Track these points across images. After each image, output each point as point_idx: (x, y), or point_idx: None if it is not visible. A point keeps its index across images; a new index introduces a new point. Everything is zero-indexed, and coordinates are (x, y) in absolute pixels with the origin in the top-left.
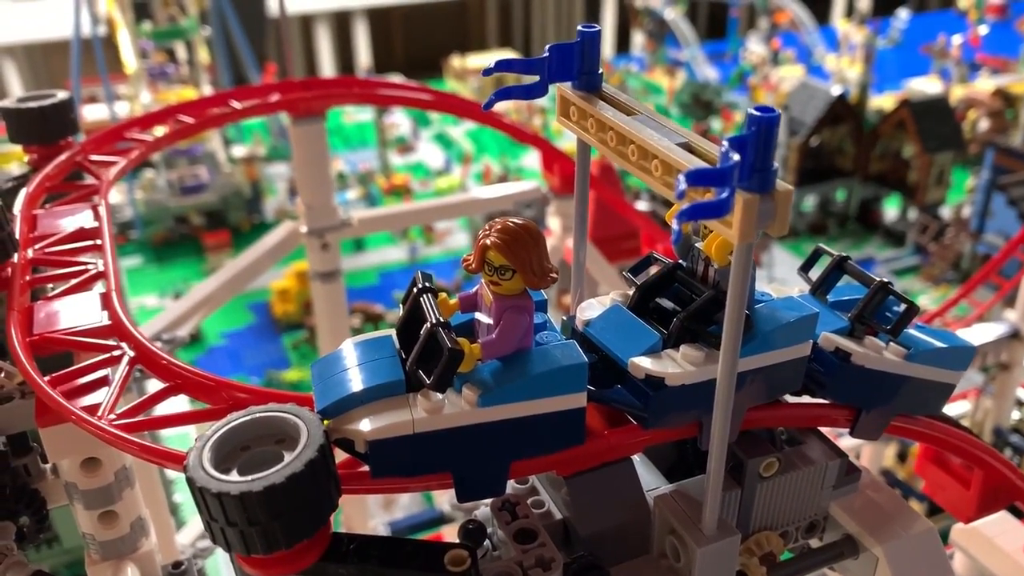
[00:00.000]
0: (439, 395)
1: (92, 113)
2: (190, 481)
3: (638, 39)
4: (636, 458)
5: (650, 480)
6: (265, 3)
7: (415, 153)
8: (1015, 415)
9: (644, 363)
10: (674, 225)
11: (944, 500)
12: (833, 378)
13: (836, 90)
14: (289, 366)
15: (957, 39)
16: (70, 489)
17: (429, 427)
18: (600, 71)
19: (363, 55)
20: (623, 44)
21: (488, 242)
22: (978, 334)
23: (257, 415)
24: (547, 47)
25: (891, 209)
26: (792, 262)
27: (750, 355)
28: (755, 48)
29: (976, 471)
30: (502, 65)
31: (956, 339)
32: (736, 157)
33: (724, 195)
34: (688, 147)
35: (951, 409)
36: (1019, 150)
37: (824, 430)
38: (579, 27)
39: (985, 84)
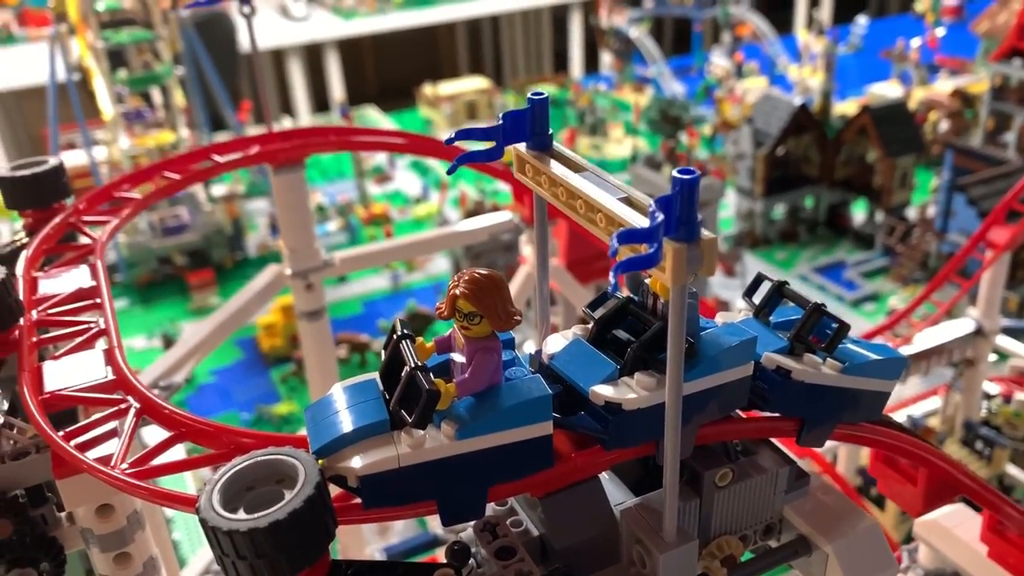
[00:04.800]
0: (420, 431)
1: (71, 159)
2: (203, 521)
3: (606, 58)
4: (604, 475)
5: (617, 495)
6: (237, 41)
7: (392, 182)
8: (984, 408)
9: (603, 391)
10: (611, 279)
11: (895, 496)
12: (776, 394)
13: (798, 101)
14: (279, 400)
15: (916, 42)
16: (86, 534)
17: (413, 460)
18: (550, 132)
19: (336, 88)
20: (592, 64)
21: (457, 292)
22: (944, 332)
23: (259, 459)
24: (501, 115)
25: (859, 213)
26: (765, 269)
27: (697, 378)
28: (719, 62)
29: (921, 469)
30: (461, 135)
31: (889, 351)
32: (660, 217)
33: (653, 250)
34: (628, 201)
35: (924, 406)
36: (977, 150)
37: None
38: (529, 95)
39: (944, 85)
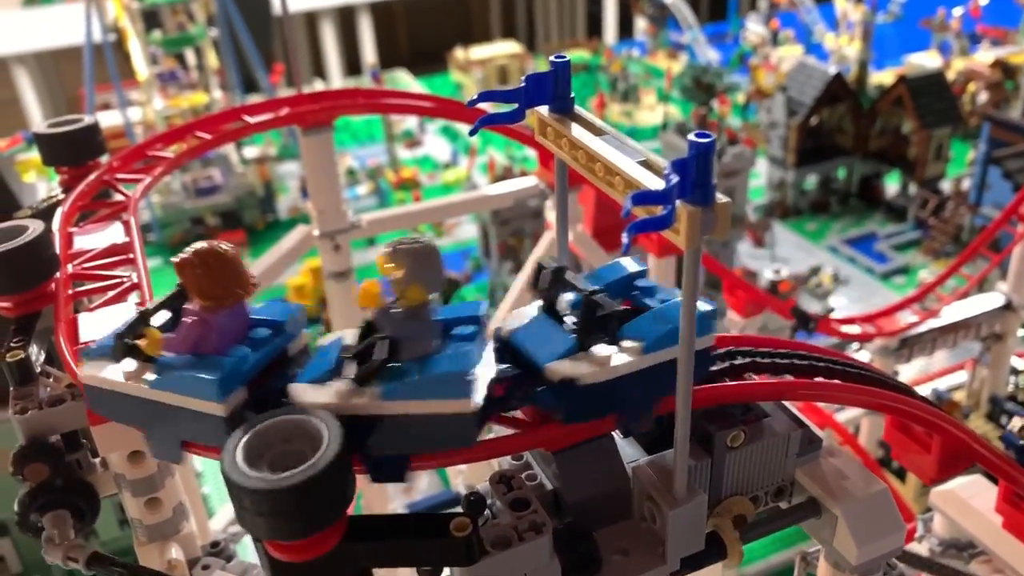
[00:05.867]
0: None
1: (106, 119)
2: (226, 477)
3: (640, 24)
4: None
5: (631, 453)
6: (270, 3)
7: (422, 147)
8: (1011, 383)
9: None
10: (624, 239)
11: (909, 463)
12: (572, 404)
13: (833, 70)
14: None
15: (957, 11)
16: (119, 479)
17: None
18: (571, 95)
19: (368, 51)
20: (625, 30)
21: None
22: (973, 306)
23: (284, 418)
24: (523, 77)
25: (892, 184)
26: (795, 240)
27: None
28: (755, 28)
29: (935, 436)
30: (484, 96)
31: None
32: (675, 179)
33: (666, 212)
34: (647, 164)
35: (950, 379)
36: (1014, 122)
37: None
38: (551, 58)
39: (985, 56)
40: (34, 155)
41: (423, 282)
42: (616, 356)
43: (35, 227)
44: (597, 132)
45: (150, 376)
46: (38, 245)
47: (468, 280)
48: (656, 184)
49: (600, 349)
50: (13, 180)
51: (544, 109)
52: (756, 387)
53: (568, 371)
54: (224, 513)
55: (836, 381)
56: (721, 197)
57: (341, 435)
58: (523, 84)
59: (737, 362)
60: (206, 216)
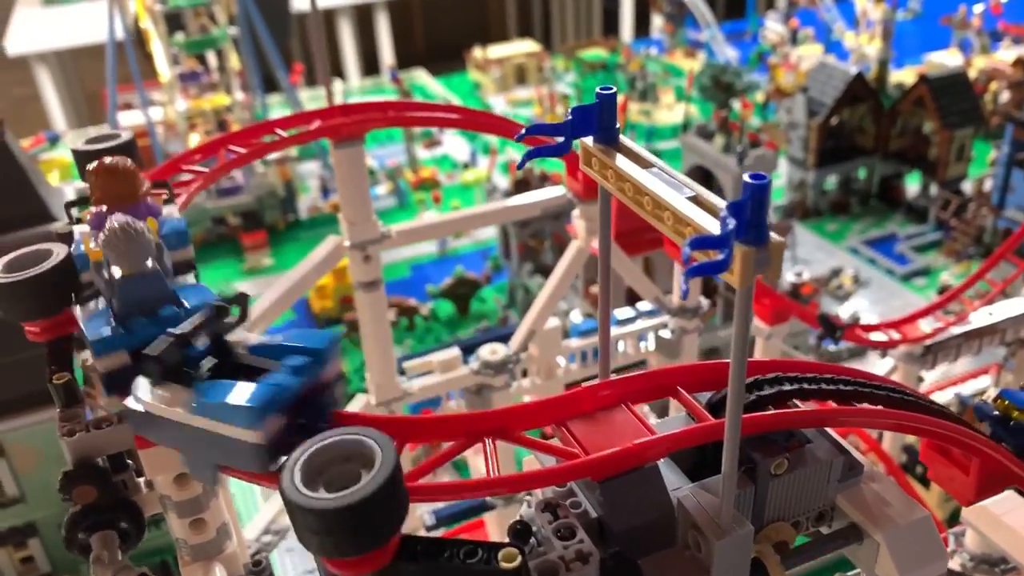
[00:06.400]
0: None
1: (128, 119)
2: (285, 498)
3: (657, 22)
4: (661, 461)
5: (674, 480)
6: (289, 1)
7: (441, 147)
8: None
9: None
10: (682, 286)
11: (946, 484)
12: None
13: (854, 70)
14: None
15: (978, 8)
16: (164, 500)
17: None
18: (617, 126)
19: (386, 49)
20: (642, 27)
21: None
22: (999, 311)
23: (339, 438)
24: (570, 109)
25: (913, 185)
26: (815, 241)
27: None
28: (774, 27)
29: (973, 459)
30: (532, 130)
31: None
32: (732, 223)
33: (724, 255)
34: (696, 200)
35: (974, 384)
36: None
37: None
38: (597, 89)
39: (1006, 54)
40: (57, 155)
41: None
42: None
43: (59, 251)
44: (644, 164)
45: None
46: (63, 269)
47: (488, 281)
48: (707, 222)
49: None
50: (41, 185)
51: (589, 139)
52: (799, 415)
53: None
54: (255, 523)
55: (879, 407)
56: (775, 236)
57: (395, 456)
58: (569, 117)
59: (785, 388)
60: (228, 216)
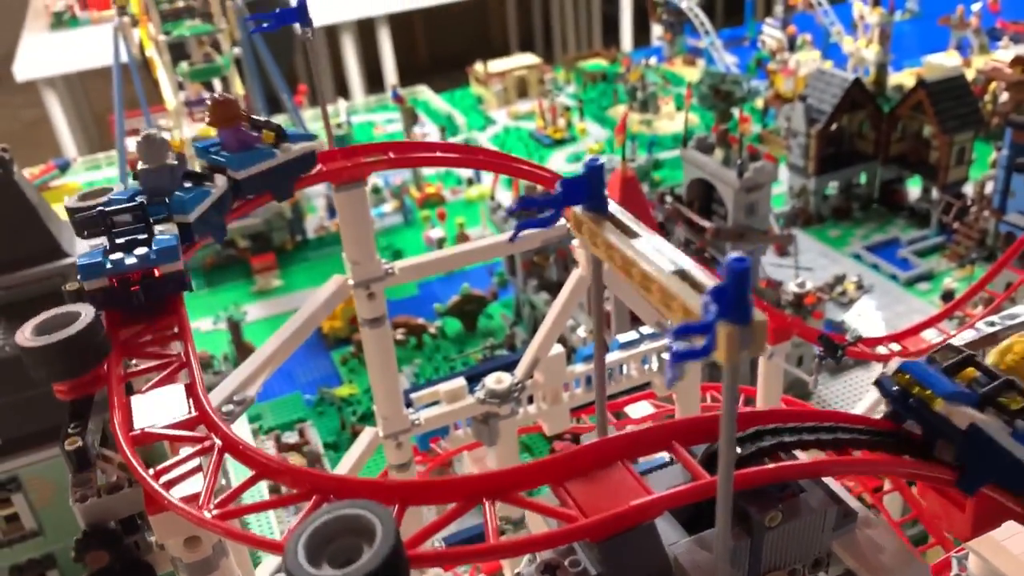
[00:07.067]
0: None
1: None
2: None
3: (656, 31)
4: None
5: (670, 533)
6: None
7: None
8: None
9: None
10: (668, 374)
11: (944, 521)
12: None
13: (851, 76)
14: (340, 382)
15: (976, 6)
16: (176, 562)
17: None
18: (606, 195)
19: (388, 64)
20: (642, 37)
21: None
22: (1001, 320)
23: (338, 513)
24: (559, 182)
25: (914, 189)
26: (818, 247)
27: None
28: (772, 34)
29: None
30: (522, 204)
31: None
32: (715, 309)
33: (707, 341)
34: (683, 275)
35: None
36: None
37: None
38: (584, 161)
39: (1005, 53)
40: (67, 181)
41: None
42: None
43: (87, 312)
44: (631, 235)
45: None
46: (91, 331)
47: (494, 297)
48: (692, 297)
49: None
50: (51, 220)
51: (579, 208)
52: (794, 468)
53: None
54: (264, 569)
55: (878, 454)
56: (758, 314)
57: (394, 529)
58: (559, 190)
59: (764, 443)
60: (237, 239)
